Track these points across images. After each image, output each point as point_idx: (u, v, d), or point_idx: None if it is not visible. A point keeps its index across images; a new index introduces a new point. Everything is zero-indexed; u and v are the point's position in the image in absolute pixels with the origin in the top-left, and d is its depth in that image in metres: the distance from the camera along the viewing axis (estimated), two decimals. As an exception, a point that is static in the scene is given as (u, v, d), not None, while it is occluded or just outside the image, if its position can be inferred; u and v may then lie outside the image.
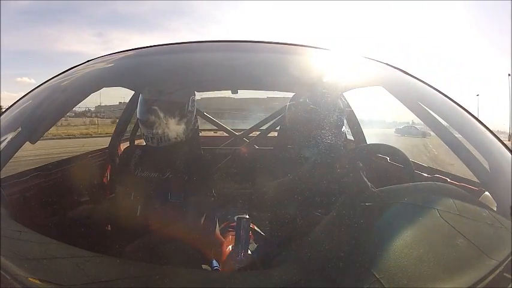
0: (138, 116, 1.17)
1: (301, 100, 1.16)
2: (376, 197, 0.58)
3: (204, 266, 0.98)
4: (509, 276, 0.46)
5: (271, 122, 1.89)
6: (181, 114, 1.17)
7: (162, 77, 1.22)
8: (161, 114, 1.14)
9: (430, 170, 1.22)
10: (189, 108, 1.22)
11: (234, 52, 1.17)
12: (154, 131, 1.13)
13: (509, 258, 0.48)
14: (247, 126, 2.15)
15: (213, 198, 1.27)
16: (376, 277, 0.44)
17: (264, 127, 1.99)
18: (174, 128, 1.16)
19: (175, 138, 1.16)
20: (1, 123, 0.78)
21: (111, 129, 1.84)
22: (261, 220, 1.13)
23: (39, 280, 0.46)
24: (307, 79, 1.43)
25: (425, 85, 1.03)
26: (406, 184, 0.71)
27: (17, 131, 0.74)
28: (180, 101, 1.18)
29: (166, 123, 1.15)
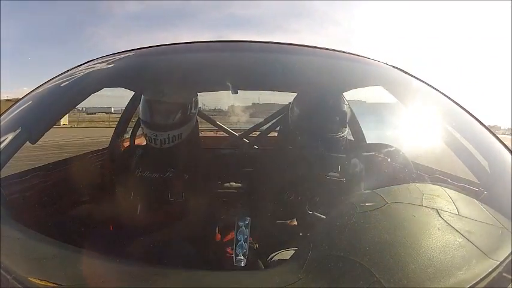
0: (141, 117, 1.17)
1: (301, 100, 1.16)
2: (376, 197, 0.58)
3: (204, 266, 0.98)
4: (509, 276, 0.46)
5: (272, 122, 1.90)
6: (185, 116, 1.17)
7: (162, 77, 1.23)
8: (165, 116, 1.14)
9: (430, 170, 1.22)
10: (192, 109, 1.22)
11: (234, 52, 1.17)
12: (158, 132, 1.13)
13: (509, 258, 0.48)
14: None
15: (213, 198, 1.28)
16: (376, 277, 0.44)
17: (264, 127, 1.99)
18: (178, 130, 1.16)
19: (179, 139, 1.16)
20: (1, 123, 0.78)
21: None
22: (261, 220, 1.13)
23: (39, 280, 0.46)
24: (308, 79, 1.43)
25: (425, 85, 1.03)
26: (406, 184, 0.71)
27: (17, 131, 0.74)
28: (183, 103, 1.17)
29: (170, 125, 1.14)
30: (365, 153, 0.99)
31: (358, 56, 1.15)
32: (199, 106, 1.31)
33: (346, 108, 1.09)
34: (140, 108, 1.18)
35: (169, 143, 1.14)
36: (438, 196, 0.58)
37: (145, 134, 1.15)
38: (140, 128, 1.18)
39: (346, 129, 1.11)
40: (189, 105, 1.19)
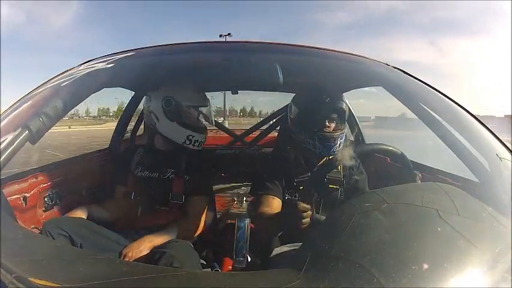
0: (191, 122, 1.19)
1: (301, 100, 1.16)
2: (376, 197, 0.58)
3: (202, 266, 0.98)
4: (509, 276, 0.46)
5: (271, 122, 1.90)
6: (211, 117, 1.29)
7: (162, 77, 1.23)
8: (209, 118, 1.27)
9: (430, 170, 1.22)
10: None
11: (234, 53, 1.17)
12: (204, 135, 1.22)
13: (509, 258, 0.48)
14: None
15: (213, 198, 1.28)
16: (376, 277, 0.44)
17: (264, 127, 1.99)
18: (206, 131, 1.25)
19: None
20: (1, 123, 0.78)
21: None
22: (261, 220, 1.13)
23: (39, 280, 0.46)
24: (308, 79, 1.43)
25: (425, 85, 1.03)
26: (406, 184, 0.71)
27: (17, 131, 0.73)
28: (208, 105, 1.26)
29: (206, 127, 1.25)
30: (364, 153, 0.99)
31: (358, 56, 1.15)
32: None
33: (344, 106, 1.09)
34: (181, 115, 1.18)
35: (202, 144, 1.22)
36: (438, 196, 0.58)
37: (192, 140, 1.18)
38: (170, 133, 1.18)
39: (345, 129, 1.11)
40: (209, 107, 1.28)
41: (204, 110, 1.24)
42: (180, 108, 1.16)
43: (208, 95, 1.35)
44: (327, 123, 1.06)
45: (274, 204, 1.07)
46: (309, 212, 0.80)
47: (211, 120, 1.30)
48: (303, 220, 0.80)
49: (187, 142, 1.16)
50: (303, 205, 0.80)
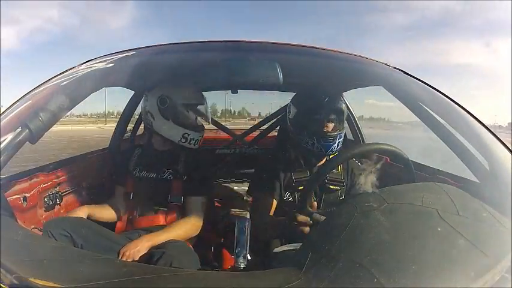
0: (186, 120, 1.18)
1: (300, 100, 1.16)
2: (376, 197, 0.58)
3: (201, 266, 0.98)
4: (509, 276, 0.46)
5: (271, 122, 1.90)
6: (208, 115, 1.27)
7: (162, 77, 1.23)
8: (205, 116, 1.26)
9: (430, 170, 1.22)
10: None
11: (234, 52, 1.17)
12: (201, 133, 1.21)
13: (509, 258, 0.48)
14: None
15: (212, 199, 1.28)
16: (376, 277, 0.44)
17: (264, 127, 1.99)
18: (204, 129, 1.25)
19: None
20: (1, 123, 0.78)
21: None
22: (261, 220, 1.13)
23: (39, 280, 0.46)
24: (308, 79, 1.43)
25: (425, 85, 1.03)
26: (406, 184, 0.71)
27: (17, 131, 0.73)
28: (205, 103, 1.26)
29: (202, 126, 1.24)
30: (364, 153, 0.99)
31: (358, 56, 1.15)
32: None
33: (343, 106, 1.09)
34: (176, 113, 1.17)
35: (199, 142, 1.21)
36: (438, 196, 0.58)
37: (187, 138, 1.17)
38: (165, 131, 1.18)
39: (344, 128, 1.12)
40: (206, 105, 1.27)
41: (200, 108, 1.23)
42: (175, 106, 1.16)
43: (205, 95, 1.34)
44: (326, 123, 1.06)
45: (272, 205, 1.08)
46: (307, 228, 0.82)
47: (208, 119, 1.29)
48: (304, 229, 0.82)
49: (183, 140, 1.16)
50: (302, 217, 0.82)
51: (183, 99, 1.18)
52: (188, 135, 1.16)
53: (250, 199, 1.47)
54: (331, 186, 1.11)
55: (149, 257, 0.90)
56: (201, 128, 1.22)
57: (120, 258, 0.91)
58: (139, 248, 0.93)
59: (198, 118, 1.23)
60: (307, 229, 0.83)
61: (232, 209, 1.58)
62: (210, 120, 1.34)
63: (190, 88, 1.23)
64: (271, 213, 1.09)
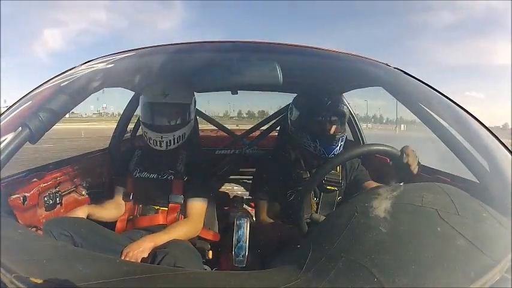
0: (142, 119, 1.16)
1: (301, 101, 1.16)
2: (376, 197, 0.58)
3: (204, 266, 0.98)
4: (509, 276, 0.46)
5: (272, 122, 1.90)
6: (187, 116, 1.19)
7: (162, 77, 1.23)
8: (169, 117, 1.14)
9: (430, 170, 1.22)
10: (193, 109, 1.23)
11: (234, 53, 1.17)
12: (164, 134, 1.13)
13: (509, 258, 0.48)
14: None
15: (212, 199, 1.27)
16: (376, 277, 0.44)
17: (264, 127, 1.99)
18: (182, 130, 1.16)
19: (183, 139, 1.17)
20: (1, 123, 0.78)
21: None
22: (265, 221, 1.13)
23: (39, 280, 0.46)
24: (308, 80, 1.43)
25: (425, 86, 1.03)
26: (406, 184, 0.71)
27: (17, 131, 0.73)
28: (184, 103, 1.18)
29: (174, 126, 1.15)
30: (364, 153, 0.99)
31: (358, 56, 1.15)
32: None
33: (345, 108, 1.09)
34: (141, 111, 1.18)
35: (175, 143, 1.15)
36: (438, 196, 0.58)
37: (149, 137, 1.15)
38: (141, 130, 1.18)
39: (345, 129, 1.12)
40: (190, 105, 1.20)
41: (167, 107, 1.14)
42: (141, 104, 1.17)
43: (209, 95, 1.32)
44: (328, 126, 1.06)
45: (272, 208, 1.08)
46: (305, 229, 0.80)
47: (185, 119, 1.18)
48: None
49: (146, 139, 1.16)
50: None
51: (147, 97, 1.16)
52: (146, 133, 1.15)
53: (251, 201, 1.48)
54: (329, 187, 1.11)
55: (153, 257, 0.89)
56: (158, 128, 1.13)
57: (123, 258, 0.90)
58: (142, 248, 0.93)
59: (161, 118, 1.14)
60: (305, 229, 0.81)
61: (232, 209, 1.58)
62: (192, 119, 1.22)
63: (160, 87, 1.15)
64: (272, 220, 1.09)
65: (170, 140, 1.14)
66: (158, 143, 1.13)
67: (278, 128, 1.67)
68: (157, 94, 1.14)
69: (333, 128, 1.07)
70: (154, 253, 0.91)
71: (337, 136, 1.06)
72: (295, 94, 1.24)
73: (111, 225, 1.13)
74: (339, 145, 1.06)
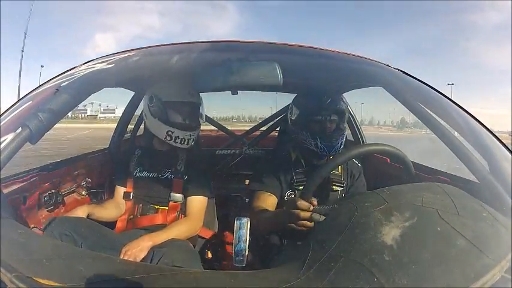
0: (167, 120, 1.16)
1: (301, 101, 1.16)
2: (376, 197, 0.58)
3: (202, 266, 0.98)
4: (509, 276, 0.46)
5: (272, 122, 1.90)
6: (201, 115, 1.25)
7: (163, 77, 1.23)
8: (195, 115, 1.22)
9: (430, 170, 1.22)
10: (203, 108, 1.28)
11: (234, 53, 1.17)
12: (191, 132, 1.17)
13: (509, 258, 0.48)
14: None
15: (212, 199, 1.28)
16: (376, 277, 0.44)
17: (264, 127, 1.99)
18: (198, 129, 1.23)
19: (197, 138, 1.21)
20: (1, 123, 0.78)
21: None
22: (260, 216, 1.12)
23: (40, 280, 0.46)
24: (308, 80, 1.43)
25: (425, 86, 1.03)
26: (406, 184, 0.71)
27: (17, 131, 0.73)
28: (199, 103, 1.24)
29: (196, 125, 1.21)
30: (364, 154, 0.99)
31: (358, 56, 1.15)
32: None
33: (345, 108, 1.10)
34: (160, 112, 1.17)
35: (193, 141, 1.19)
36: (438, 196, 0.58)
37: (176, 137, 1.15)
38: (153, 129, 1.18)
39: (345, 128, 1.12)
40: (201, 104, 1.26)
41: (189, 106, 1.19)
42: (160, 104, 1.16)
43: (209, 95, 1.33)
44: (329, 124, 1.07)
45: (271, 201, 1.06)
46: (308, 213, 0.77)
47: (201, 117, 1.26)
48: (302, 219, 0.77)
49: (168, 138, 1.15)
50: (303, 203, 0.76)
51: (169, 96, 1.16)
52: (172, 132, 1.15)
53: (248, 199, 1.47)
54: (331, 187, 1.11)
55: (151, 257, 0.90)
56: (187, 127, 1.17)
57: (121, 256, 0.90)
58: (141, 247, 0.93)
59: (188, 117, 1.19)
60: (305, 217, 0.78)
61: (232, 209, 1.58)
62: (204, 118, 1.30)
63: (179, 86, 1.19)
64: (267, 210, 1.08)
65: (193, 138, 1.19)
66: (186, 141, 1.16)
67: (278, 129, 1.67)
68: (184, 93, 1.19)
69: (334, 126, 1.07)
70: (153, 252, 0.91)
71: (337, 134, 1.06)
72: (295, 94, 1.24)
73: (111, 224, 1.13)
74: (340, 143, 1.07)
